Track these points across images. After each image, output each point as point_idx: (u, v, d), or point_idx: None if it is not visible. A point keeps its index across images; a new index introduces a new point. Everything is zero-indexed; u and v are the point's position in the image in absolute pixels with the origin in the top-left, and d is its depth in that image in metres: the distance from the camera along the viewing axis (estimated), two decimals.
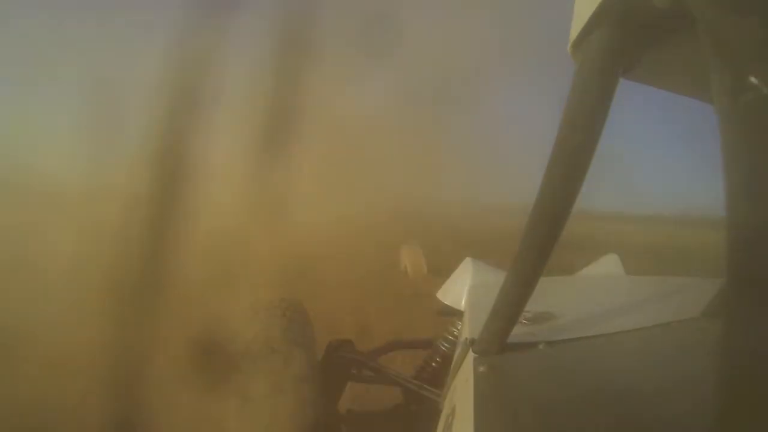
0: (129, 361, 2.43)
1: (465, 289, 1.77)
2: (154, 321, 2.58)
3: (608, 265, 2.00)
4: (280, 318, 1.67)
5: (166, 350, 2.40)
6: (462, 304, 1.73)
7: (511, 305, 0.78)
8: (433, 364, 1.79)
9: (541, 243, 0.68)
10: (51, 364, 2.33)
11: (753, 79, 0.30)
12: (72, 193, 3.13)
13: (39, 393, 2.18)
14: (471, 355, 0.87)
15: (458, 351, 1.10)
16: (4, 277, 2.50)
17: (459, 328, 1.66)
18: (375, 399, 2.00)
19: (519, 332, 0.87)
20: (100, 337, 2.49)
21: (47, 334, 2.42)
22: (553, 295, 1.16)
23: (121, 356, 2.44)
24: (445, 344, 1.77)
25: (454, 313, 1.80)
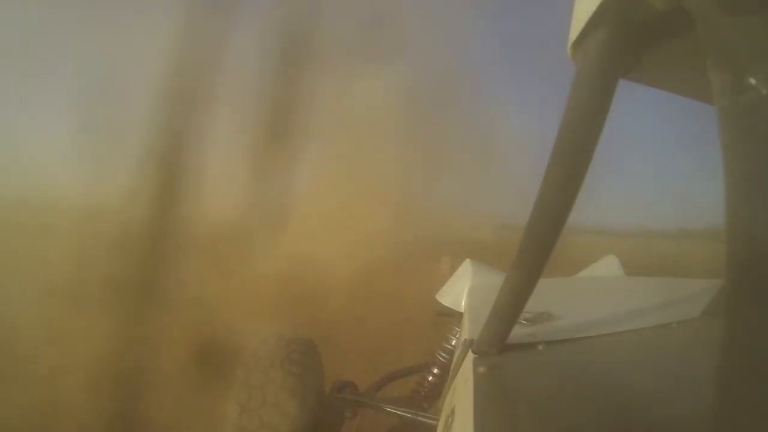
0: (130, 366, 2.43)
1: (465, 290, 1.77)
2: (154, 324, 2.58)
3: (608, 266, 2.00)
4: (287, 357, 1.69)
5: (166, 355, 2.40)
6: (461, 305, 1.73)
7: (510, 306, 0.78)
8: (430, 378, 1.82)
9: (541, 243, 0.68)
10: (51, 368, 2.33)
11: (752, 80, 0.30)
12: (72, 196, 3.12)
13: (40, 397, 2.18)
14: (470, 356, 0.87)
15: (458, 352, 1.10)
16: (5, 280, 2.50)
17: (456, 337, 1.66)
18: (376, 426, 2.03)
19: (518, 333, 0.87)
20: (101, 342, 2.49)
21: (48, 338, 2.42)
22: (552, 296, 1.16)
23: (123, 361, 2.44)
24: (443, 354, 1.78)
25: (452, 314, 1.80)
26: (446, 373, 1.54)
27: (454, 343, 1.73)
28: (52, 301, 2.52)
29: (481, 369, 0.79)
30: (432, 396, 1.80)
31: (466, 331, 1.12)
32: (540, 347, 0.86)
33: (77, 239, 2.82)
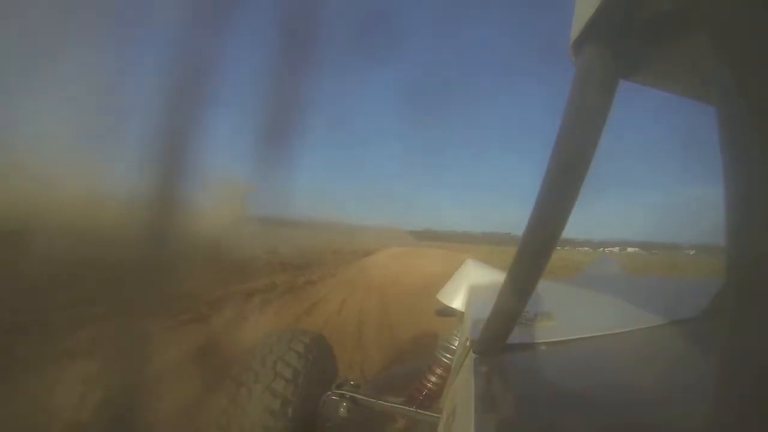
0: (130, 365, 2.43)
1: (465, 290, 1.77)
2: (154, 325, 2.57)
3: (607, 266, 2.00)
4: (295, 350, 1.68)
5: (165, 354, 2.39)
6: (462, 305, 1.72)
7: (511, 306, 0.78)
8: (433, 378, 1.81)
9: (541, 244, 0.68)
10: (49, 366, 2.33)
11: (752, 81, 0.31)
12: (70, 195, 3.13)
13: (37, 396, 2.18)
14: (471, 356, 0.87)
15: (459, 352, 1.10)
16: (3, 278, 2.50)
17: (458, 336, 1.66)
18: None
19: (519, 333, 0.87)
20: (100, 341, 2.49)
21: (46, 337, 2.42)
22: (552, 296, 1.16)
23: (122, 360, 2.44)
24: (446, 354, 1.77)
25: (452, 314, 1.80)
26: (448, 373, 1.54)
27: (456, 343, 1.73)
28: (50, 301, 2.52)
29: (482, 369, 0.79)
30: (434, 396, 1.79)
31: (467, 331, 1.13)
32: (540, 347, 0.86)
33: (76, 237, 2.83)
